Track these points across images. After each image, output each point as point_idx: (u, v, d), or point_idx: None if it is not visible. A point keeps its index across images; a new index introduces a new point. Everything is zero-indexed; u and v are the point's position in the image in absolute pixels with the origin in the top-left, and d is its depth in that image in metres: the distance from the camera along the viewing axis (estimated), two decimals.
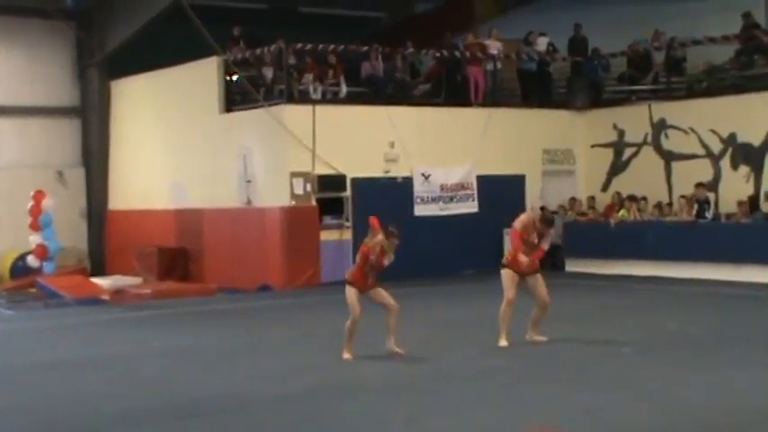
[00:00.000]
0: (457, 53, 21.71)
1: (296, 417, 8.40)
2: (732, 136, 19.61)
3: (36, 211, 18.97)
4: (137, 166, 22.98)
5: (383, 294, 11.03)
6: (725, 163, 19.76)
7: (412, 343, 12.20)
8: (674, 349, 11.10)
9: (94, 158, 23.59)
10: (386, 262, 11.02)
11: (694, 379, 9.40)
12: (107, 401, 9.24)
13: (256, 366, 10.96)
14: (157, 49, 21.54)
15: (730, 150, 19.68)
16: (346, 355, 10.89)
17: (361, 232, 19.50)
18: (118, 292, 18.71)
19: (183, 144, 21.59)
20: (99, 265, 22.87)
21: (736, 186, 19.21)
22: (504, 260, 11.54)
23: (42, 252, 18.84)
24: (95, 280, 19.89)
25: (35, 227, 18.99)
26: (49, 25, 23.06)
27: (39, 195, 19.09)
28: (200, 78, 20.85)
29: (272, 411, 8.65)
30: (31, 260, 19.16)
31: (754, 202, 18.91)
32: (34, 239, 18.93)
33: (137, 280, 20.28)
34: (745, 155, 19.46)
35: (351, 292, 10.91)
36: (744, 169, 19.47)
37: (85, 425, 8.49)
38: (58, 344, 13.27)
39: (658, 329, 12.61)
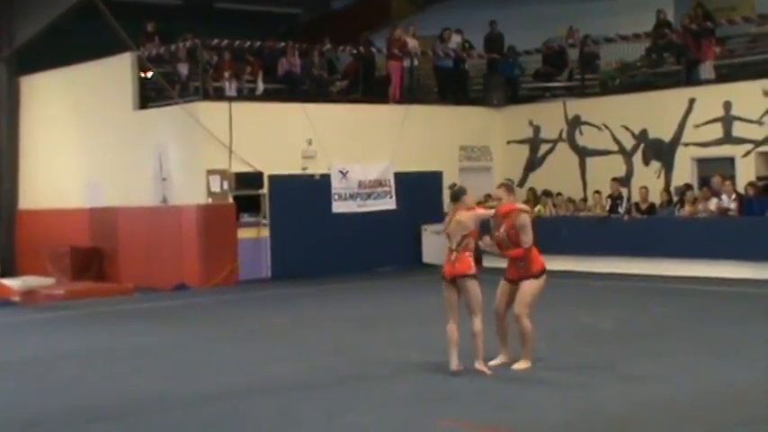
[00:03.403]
0: (374, 49, 21.79)
1: (212, 416, 8.33)
2: (644, 132, 20.05)
3: None
4: (48, 165, 22.53)
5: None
6: (637, 159, 20.18)
7: (330, 341, 12.22)
8: (586, 342, 11.30)
9: (3, 156, 23.03)
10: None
11: (605, 371, 9.58)
12: (16, 406, 9.03)
13: (172, 366, 10.85)
14: (69, 45, 21.19)
15: (642, 146, 20.12)
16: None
17: (278, 230, 19.54)
18: (28, 294, 18.29)
19: (96, 141, 21.25)
20: (9, 266, 22.31)
21: (648, 182, 19.61)
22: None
23: None
24: (4, 281, 19.39)
25: None
26: None
27: None
28: (114, 75, 20.54)
29: (187, 412, 8.56)
30: None
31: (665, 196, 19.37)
32: None
33: (48, 280, 19.86)
34: (656, 151, 19.91)
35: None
36: (655, 165, 19.91)
37: None
38: None
39: (572, 323, 12.83)
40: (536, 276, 9.62)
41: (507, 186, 9.93)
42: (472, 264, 9.40)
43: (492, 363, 9.73)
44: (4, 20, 22.55)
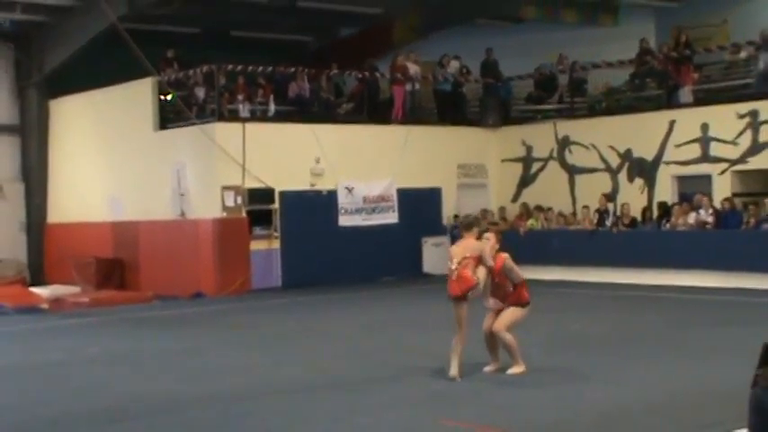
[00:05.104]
0: (378, 74, 21.80)
1: (225, 416, 8.25)
2: (628, 151, 19.99)
3: None
4: (75, 181, 22.50)
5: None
6: (622, 176, 20.13)
7: (337, 346, 12.14)
8: (577, 348, 11.22)
9: (34, 174, 23.02)
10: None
11: (595, 375, 9.51)
12: (42, 407, 8.95)
13: (189, 369, 10.76)
14: (95, 70, 21.15)
15: (627, 165, 20.06)
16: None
17: (288, 242, 19.48)
18: (56, 301, 18.23)
19: (119, 160, 21.22)
20: (38, 276, 22.29)
21: (632, 197, 19.58)
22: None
23: None
24: (34, 290, 19.39)
25: None
26: None
27: None
28: (136, 98, 20.53)
29: (201, 412, 8.47)
30: None
31: (647, 211, 19.36)
32: None
33: (75, 289, 19.83)
34: (639, 169, 19.85)
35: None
36: (639, 182, 19.86)
37: (20, 430, 8.21)
38: None
39: (562, 329, 12.76)
40: (522, 305, 9.56)
41: (498, 233, 9.87)
42: (471, 276, 9.30)
43: (486, 369, 9.65)
44: (35, 48, 22.59)
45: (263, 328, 14.18)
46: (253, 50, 23.50)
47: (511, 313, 9.51)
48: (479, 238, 9.52)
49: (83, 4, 20.72)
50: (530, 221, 20.55)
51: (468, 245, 9.43)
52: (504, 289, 9.50)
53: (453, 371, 9.32)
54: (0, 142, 22.93)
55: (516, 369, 9.54)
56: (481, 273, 9.35)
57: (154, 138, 20.27)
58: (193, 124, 19.24)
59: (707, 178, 18.83)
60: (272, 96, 20.50)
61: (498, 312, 9.53)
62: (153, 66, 19.46)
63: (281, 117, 20.34)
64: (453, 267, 9.34)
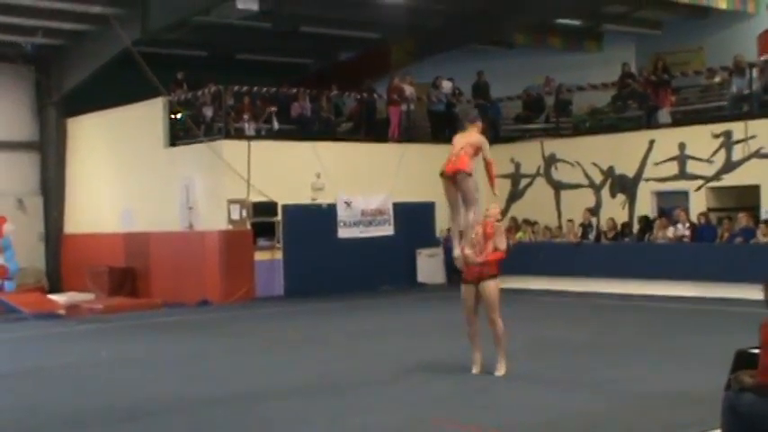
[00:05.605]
0: (375, 95, 21.86)
1: (229, 416, 8.25)
2: (611, 168, 20.03)
3: None
4: (90, 195, 22.50)
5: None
6: (605, 192, 20.17)
7: (336, 350, 12.14)
8: (563, 352, 11.23)
9: (52, 187, 23.04)
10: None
11: (580, 377, 9.52)
12: (56, 406, 8.94)
13: (195, 372, 10.76)
14: (109, 91, 21.17)
15: (609, 181, 20.11)
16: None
17: (290, 252, 19.48)
18: (72, 307, 18.20)
19: (131, 175, 21.23)
20: (55, 284, 22.28)
21: (614, 212, 19.62)
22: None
23: (3, 272, 18.32)
24: (52, 296, 19.36)
25: None
26: (10, 69, 22.55)
27: (0, 221, 18.58)
28: (148, 117, 20.56)
29: (205, 413, 8.47)
30: None
31: (628, 225, 19.38)
32: None
33: (89, 296, 19.81)
34: (621, 185, 19.89)
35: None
36: (620, 197, 19.90)
37: (34, 428, 8.20)
38: (15, 354, 12.85)
39: (549, 335, 12.76)
40: (494, 277, 9.45)
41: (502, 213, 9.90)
42: (467, 162, 9.25)
43: (474, 371, 9.62)
44: (54, 70, 22.66)
45: (266, 334, 14.16)
46: (257, 72, 23.56)
47: (493, 292, 9.34)
48: (482, 132, 9.57)
49: (99, 29, 20.78)
50: (518, 234, 20.56)
51: (470, 137, 9.50)
52: (488, 244, 9.39)
53: (467, 250, 9.28)
54: (21, 158, 22.97)
55: (501, 370, 9.51)
56: (473, 183, 9.28)
57: (164, 154, 20.29)
58: (201, 142, 19.28)
59: (684, 194, 18.86)
60: (274, 115, 20.52)
61: (474, 288, 9.36)
62: (164, 87, 19.53)
63: (283, 135, 20.37)
64: (455, 152, 9.37)
